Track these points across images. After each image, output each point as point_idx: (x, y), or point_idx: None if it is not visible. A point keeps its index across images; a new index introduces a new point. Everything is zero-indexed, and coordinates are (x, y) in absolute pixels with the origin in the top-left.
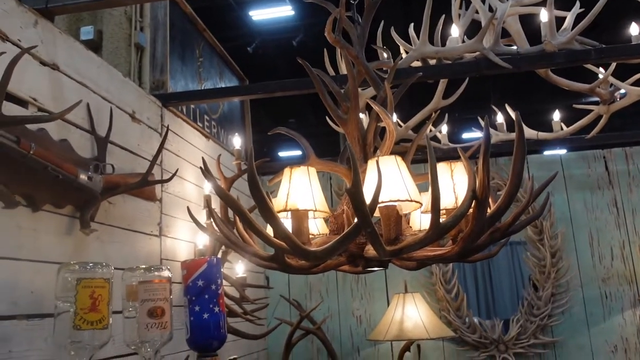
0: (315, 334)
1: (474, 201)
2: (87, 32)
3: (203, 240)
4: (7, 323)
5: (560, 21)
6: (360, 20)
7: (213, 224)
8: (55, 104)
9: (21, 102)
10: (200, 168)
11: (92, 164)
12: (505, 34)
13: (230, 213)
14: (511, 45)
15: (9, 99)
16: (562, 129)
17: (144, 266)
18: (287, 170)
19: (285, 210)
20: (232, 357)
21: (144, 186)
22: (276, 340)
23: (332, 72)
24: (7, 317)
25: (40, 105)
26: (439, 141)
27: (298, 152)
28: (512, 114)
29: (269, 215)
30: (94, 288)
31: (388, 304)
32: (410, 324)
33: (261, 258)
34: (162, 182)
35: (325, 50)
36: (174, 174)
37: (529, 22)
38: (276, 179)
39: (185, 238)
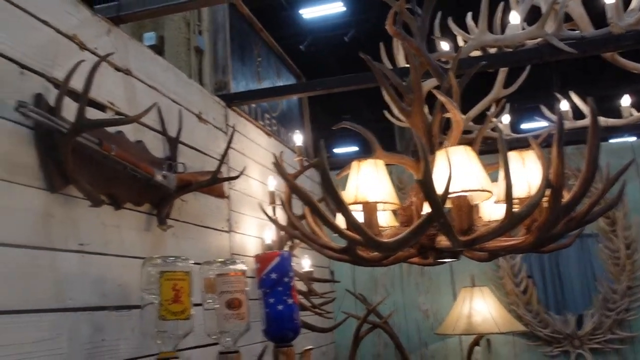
0: (382, 327)
1: (548, 190)
2: (150, 37)
3: (270, 235)
4: (99, 314)
5: (626, 2)
6: (420, 11)
7: (282, 219)
8: (129, 107)
9: (100, 107)
10: (274, 163)
11: (165, 164)
12: (567, 18)
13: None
14: (574, 30)
15: (89, 104)
16: (631, 114)
17: (220, 259)
18: (354, 164)
19: (355, 202)
20: (307, 348)
21: (215, 184)
22: (343, 334)
23: (389, 66)
24: (99, 308)
25: (117, 109)
26: (500, 132)
27: (353, 149)
28: (577, 101)
29: (341, 207)
30: (175, 281)
31: (454, 298)
32: (479, 318)
33: (333, 250)
34: (232, 179)
35: (381, 44)
36: (242, 172)
37: (592, 5)
38: (344, 173)
39: (253, 233)
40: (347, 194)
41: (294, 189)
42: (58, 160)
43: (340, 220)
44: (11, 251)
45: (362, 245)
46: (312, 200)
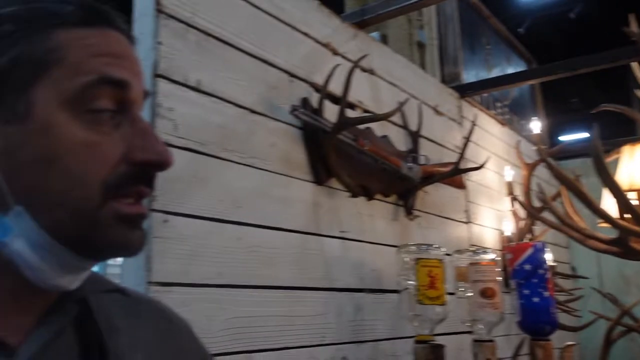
0: (638, 332)
1: None
2: (374, 37)
3: (509, 227)
4: (357, 295)
5: None
6: None
7: (520, 209)
8: (375, 105)
9: (350, 106)
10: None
11: (410, 156)
12: None
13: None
14: None
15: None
16: None
17: (472, 248)
18: (627, 148)
19: (630, 190)
20: (569, 343)
21: (456, 175)
22: (589, 336)
23: None
24: (357, 290)
25: (365, 107)
26: None
27: (579, 135)
28: None
29: (618, 194)
30: (430, 267)
31: None
32: None
33: (600, 241)
34: (474, 169)
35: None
36: (485, 163)
37: None
38: (612, 157)
39: (491, 225)
40: (619, 181)
41: (559, 177)
42: (322, 156)
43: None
44: (291, 236)
45: (638, 236)
46: (581, 189)
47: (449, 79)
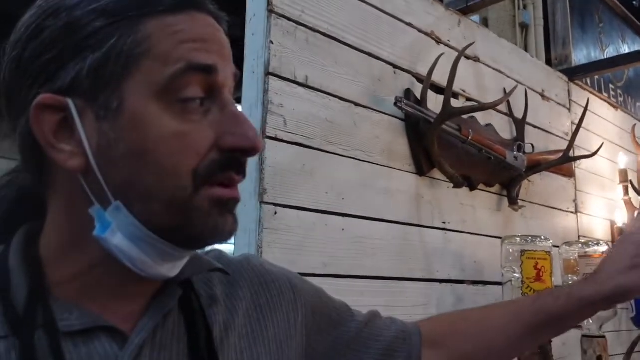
0: None
1: None
2: (474, 20)
3: (622, 217)
4: (459, 286)
5: None
6: None
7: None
8: (478, 93)
9: (454, 95)
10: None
11: (515, 145)
12: None
13: None
14: None
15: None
16: None
17: (582, 241)
18: None
19: None
20: None
21: (566, 163)
22: None
23: None
24: (458, 281)
25: (468, 95)
26: None
27: None
28: None
29: None
30: (536, 259)
31: None
32: None
33: None
34: (586, 157)
35: None
36: (598, 150)
37: None
38: None
39: (601, 215)
40: None
41: None
42: (425, 147)
43: None
44: (393, 227)
45: None
46: None
47: (557, 62)
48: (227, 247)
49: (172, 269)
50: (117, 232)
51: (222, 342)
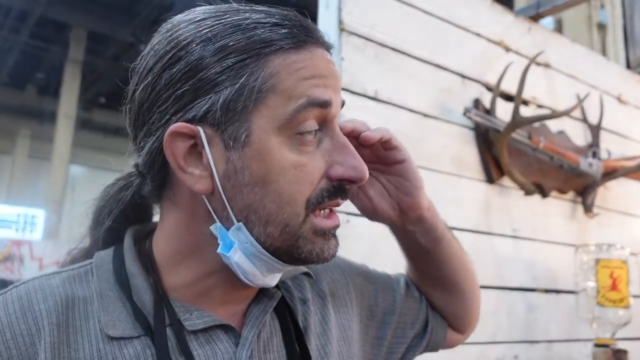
0: None
1: None
2: (548, 23)
3: None
4: (530, 294)
5: None
6: None
7: None
8: (549, 99)
9: (523, 102)
10: None
11: (589, 151)
12: None
13: None
14: None
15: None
16: None
17: None
18: None
19: None
20: None
21: None
22: None
23: None
24: (530, 289)
25: (539, 102)
26: None
27: None
28: None
29: None
30: (612, 268)
31: None
32: None
33: None
34: None
35: None
36: None
37: None
38: None
39: None
40: None
41: None
42: (494, 155)
43: None
44: (462, 234)
45: None
46: None
47: (636, 63)
48: None
49: (273, 279)
50: (238, 250)
51: (317, 338)
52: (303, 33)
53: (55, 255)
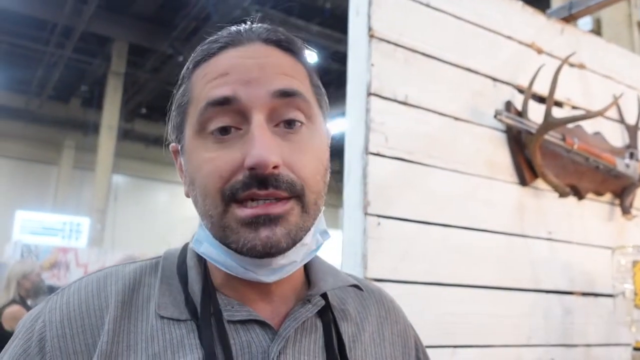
0: None
1: None
2: (585, 23)
3: None
4: (567, 298)
5: None
6: None
7: None
8: (584, 101)
9: (557, 104)
10: None
11: (627, 152)
12: None
13: None
14: None
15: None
16: None
17: None
18: None
19: None
20: None
21: None
22: None
23: None
24: (567, 292)
25: (573, 104)
26: None
27: None
28: None
29: None
30: None
31: None
32: None
33: None
34: None
35: None
36: None
37: None
38: None
39: None
40: None
41: None
42: (527, 158)
43: None
44: (495, 237)
45: None
46: None
47: None
48: (334, 257)
49: (269, 276)
50: (202, 242)
51: (349, 351)
52: (224, 40)
53: (99, 261)
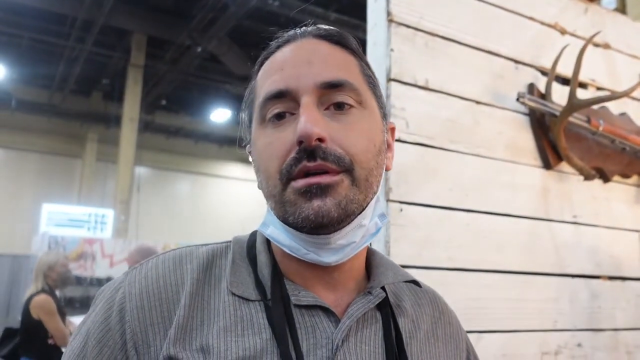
0: None
1: None
2: (610, 1)
3: None
4: (593, 282)
5: None
6: None
7: None
8: (610, 81)
9: (582, 85)
10: None
11: None
12: None
13: None
14: None
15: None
16: None
17: None
18: None
19: None
20: None
21: None
22: None
23: None
24: (593, 276)
25: (598, 84)
26: None
27: None
28: None
29: None
30: None
31: None
32: None
33: None
34: None
35: None
36: None
37: None
38: None
39: None
40: None
41: None
42: (551, 140)
43: None
44: (519, 222)
45: None
46: None
47: None
48: None
49: (330, 257)
50: (269, 225)
51: (407, 346)
52: (282, 40)
53: (124, 252)
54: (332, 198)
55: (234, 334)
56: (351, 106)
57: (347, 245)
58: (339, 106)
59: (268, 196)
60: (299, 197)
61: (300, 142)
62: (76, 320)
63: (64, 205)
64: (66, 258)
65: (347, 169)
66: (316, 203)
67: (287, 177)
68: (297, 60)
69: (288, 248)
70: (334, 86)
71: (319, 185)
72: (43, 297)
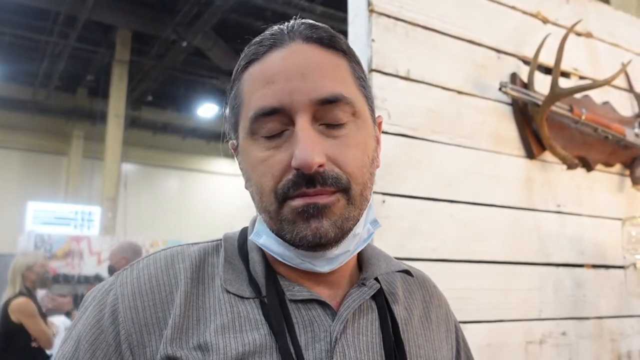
0: None
1: None
2: None
3: None
4: (577, 270)
5: None
6: None
7: None
8: (593, 70)
9: (564, 74)
10: None
11: (636, 122)
12: None
13: None
14: None
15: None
16: None
17: None
18: None
19: None
20: None
21: None
22: None
23: None
24: (577, 265)
25: (580, 74)
26: None
27: None
28: None
29: None
30: None
31: None
32: None
33: None
34: None
35: None
36: None
37: None
38: None
39: None
40: None
41: None
42: (534, 130)
43: None
44: (503, 212)
45: None
46: None
47: None
48: None
49: (324, 266)
50: (261, 234)
51: (403, 333)
52: (269, 43)
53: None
54: (328, 219)
55: (232, 330)
56: (345, 123)
57: (341, 254)
58: (335, 121)
59: (261, 210)
60: (297, 216)
61: (297, 169)
62: (56, 319)
63: (50, 203)
64: (44, 258)
65: (344, 188)
66: (314, 224)
67: (283, 198)
68: (289, 72)
69: (282, 257)
70: (328, 102)
71: (316, 205)
72: (22, 300)
